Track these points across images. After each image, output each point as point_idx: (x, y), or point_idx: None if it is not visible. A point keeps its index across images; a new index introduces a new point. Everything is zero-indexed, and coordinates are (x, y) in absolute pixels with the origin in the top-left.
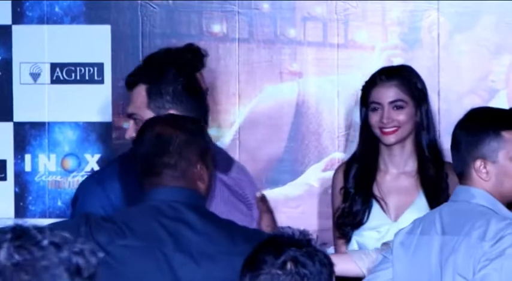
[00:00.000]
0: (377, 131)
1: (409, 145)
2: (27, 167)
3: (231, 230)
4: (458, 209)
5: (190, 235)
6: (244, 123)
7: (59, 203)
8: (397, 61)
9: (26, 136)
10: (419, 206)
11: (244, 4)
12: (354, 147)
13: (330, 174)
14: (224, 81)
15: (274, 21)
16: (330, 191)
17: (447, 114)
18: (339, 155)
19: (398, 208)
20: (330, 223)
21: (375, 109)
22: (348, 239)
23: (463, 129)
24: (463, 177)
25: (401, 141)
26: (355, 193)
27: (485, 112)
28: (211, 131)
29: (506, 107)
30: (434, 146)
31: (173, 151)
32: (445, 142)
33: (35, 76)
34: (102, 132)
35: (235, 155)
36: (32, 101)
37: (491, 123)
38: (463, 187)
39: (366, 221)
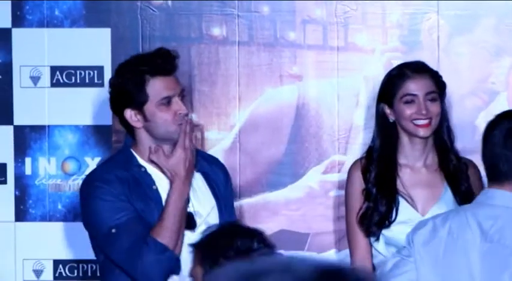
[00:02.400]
0: (409, 124)
1: (431, 138)
2: (28, 171)
3: None
4: (501, 216)
5: None
6: (245, 126)
7: (60, 207)
8: (397, 64)
9: (26, 139)
10: (447, 200)
11: (244, 7)
12: (354, 149)
13: (330, 176)
14: (224, 84)
15: (274, 24)
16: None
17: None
18: (339, 158)
19: (425, 202)
20: (329, 226)
21: (408, 101)
22: (377, 238)
23: None
24: (507, 176)
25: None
26: (378, 192)
27: None
28: (212, 134)
29: (506, 109)
30: (453, 138)
31: None
32: None
33: (35, 79)
34: (102, 136)
35: (236, 158)
36: (32, 104)
37: None
38: (498, 191)
39: (395, 218)
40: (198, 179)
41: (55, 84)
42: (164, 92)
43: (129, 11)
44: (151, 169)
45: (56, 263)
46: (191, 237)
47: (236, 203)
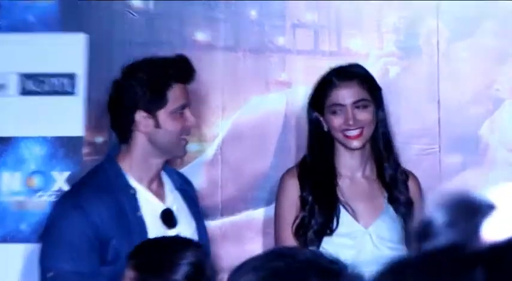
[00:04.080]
0: (339, 135)
1: (368, 147)
2: None
3: None
4: None
5: None
6: (228, 136)
7: (23, 227)
8: (393, 70)
9: None
10: (390, 212)
11: (230, 10)
12: None
13: None
14: (207, 93)
15: (262, 28)
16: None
17: (448, 125)
18: None
19: (367, 214)
20: None
21: (335, 112)
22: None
23: None
24: None
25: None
26: (316, 200)
27: None
28: (192, 146)
29: (511, 117)
30: (391, 146)
31: None
32: (445, 154)
33: (1, 88)
34: (72, 148)
35: (217, 171)
36: None
37: None
38: None
39: (337, 227)
40: (179, 199)
41: (23, 92)
42: (182, 100)
43: (106, 14)
44: (141, 191)
45: None
46: None
47: (217, 222)
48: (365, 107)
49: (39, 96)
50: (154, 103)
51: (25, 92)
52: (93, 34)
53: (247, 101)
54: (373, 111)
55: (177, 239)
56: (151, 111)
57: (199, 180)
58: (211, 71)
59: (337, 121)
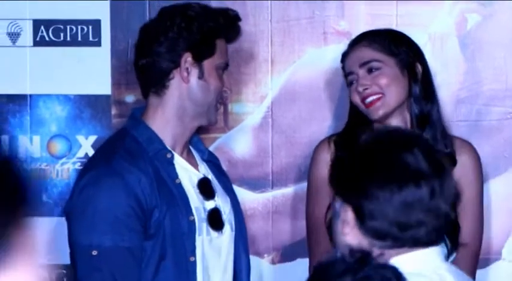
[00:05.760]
0: (363, 109)
1: (408, 121)
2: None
3: None
4: None
5: None
6: (279, 96)
7: (44, 199)
8: (472, 18)
9: (3, 112)
10: None
11: None
12: None
13: None
14: (253, 44)
15: None
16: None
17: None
18: None
19: None
20: None
21: (351, 83)
22: None
23: None
24: None
25: (392, 113)
26: None
27: None
28: (237, 107)
29: None
30: (426, 116)
31: None
32: None
33: (14, 37)
34: (99, 108)
35: (268, 137)
36: (10, 67)
37: None
38: None
39: None
40: (209, 170)
41: (39, 42)
42: (225, 57)
43: None
44: (176, 156)
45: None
46: (218, 242)
47: (268, 195)
48: (378, 68)
49: (57, 47)
50: (203, 49)
51: (41, 42)
52: None
53: (300, 54)
54: (394, 73)
55: None
56: (199, 57)
57: (246, 147)
58: (258, 18)
59: (354, 94)
